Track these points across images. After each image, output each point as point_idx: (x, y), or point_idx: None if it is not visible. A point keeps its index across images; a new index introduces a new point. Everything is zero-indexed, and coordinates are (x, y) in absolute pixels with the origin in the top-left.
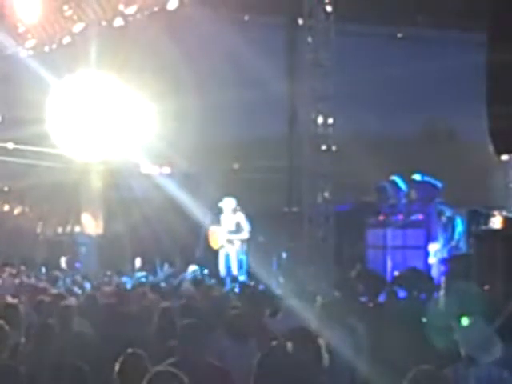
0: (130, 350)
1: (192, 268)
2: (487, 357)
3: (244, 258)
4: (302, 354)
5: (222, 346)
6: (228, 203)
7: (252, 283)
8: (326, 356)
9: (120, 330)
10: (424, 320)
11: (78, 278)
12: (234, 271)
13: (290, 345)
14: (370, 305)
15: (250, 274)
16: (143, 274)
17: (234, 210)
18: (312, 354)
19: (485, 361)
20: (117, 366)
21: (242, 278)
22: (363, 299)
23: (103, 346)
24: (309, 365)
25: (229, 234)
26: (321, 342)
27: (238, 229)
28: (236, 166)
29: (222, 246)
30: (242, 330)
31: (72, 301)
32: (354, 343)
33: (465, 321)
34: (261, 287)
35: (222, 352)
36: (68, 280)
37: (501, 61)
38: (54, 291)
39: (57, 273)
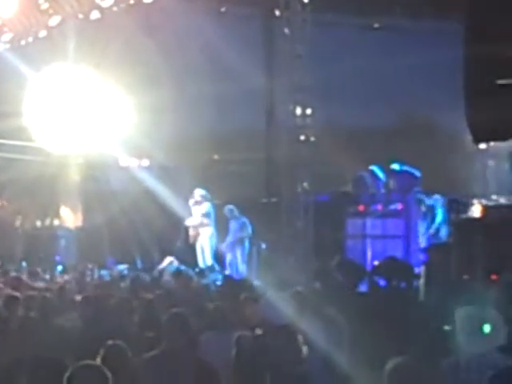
0: (110, 342)
1: (168, 259)
2: (489, 344)
3: (214, 245)
4: (280, 346)
5: (202, 337)
6: (196, 194)
7: (227, 272)
8: (304, 347)
9: (101, 323)
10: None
11: (58, 270)
12: (208, 261)
13: (268, 336)
14: (350, 294)
15: (218, 261)
16: (123, 266)
17: (201, 202)
18: (290, 345)
19: (486, 348)
20: (98, 359)
21: (216, 267)
22: (343, 289)
23: (84, 339)
24: (287, 356)
25: (197, 225)
26: (299, 332)
27: (204, 220)
28: (214, 157)
29: (196, 238)
30: (222, 322)
31: (52, 294)
32: (334, 333)
33: (487, 328)
34: (240, 278)
35: (202, 343)
36: (48, 274)
37: (478, 51)
38: (35, 285)
39: (37, 267)
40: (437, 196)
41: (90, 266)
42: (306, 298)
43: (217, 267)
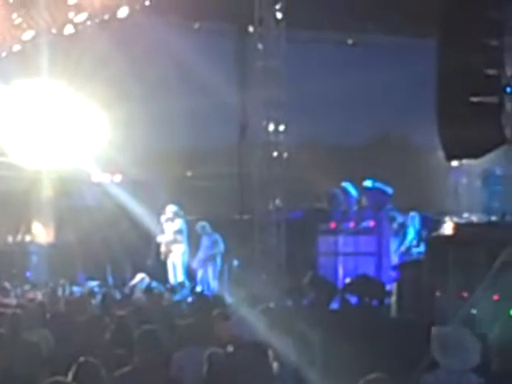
0: (82, 359)
1: (139, 276)
2: (464, 365)
3: (185, 262)
4: (251, 363)
5: (174, 354)
6: (168, 210)
7: (198, 289)
8: (274, 364)
9: (72, 339)
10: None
11: (29, 287)
12: (180, 278)
13: (239, 353)
14: (322, 312)
15: (189, 277)
16: (94, 282)
17: (173, 218)
18: (261, 363)
19: (462, 368)
20: (70, 375)
21: (186, 283)
22: (315, 306)
23: (55, 356)
24: (258, 373)
25: (169, 241)
26: (270, 349)
27: (177, 236)
28: (187, 173)
29: (167, 254)
30: (194, 339)
31: (23, 310)
32: (305, 350)
33: None
34: (212, 295)
35: (174, 360)
36: (18, 290)
37: (450, 67)
38: (5, 301)
39: (7, 283)
40: (413, 213)
41: (61, 281)
42: (278, 314)
43: (187, 283)
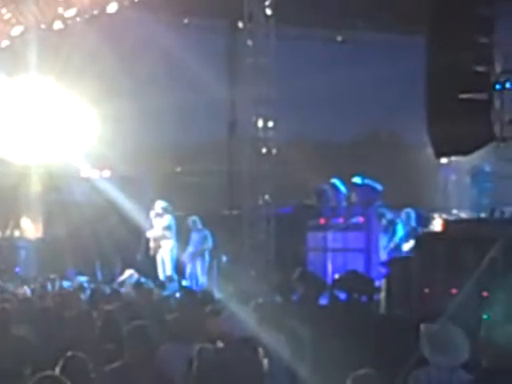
0: (70, 353)
1: (128, 272)
2: (453, 362)
3: (174, 257)
4: (241, 359)
5: (162, 348)
6: (157, 206)
7: (187, 284)
8: (265, 360)
9: (60, 334)
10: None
11: (18, 282)
12: (168, 273)
13: (230, 350)
14: (311, 308)
15: (178, 273)
16: (84, 277)
17: (162, 214)
18: (252, 359)
19: (451, 365)
20: (57, 369)
21: (175, 277)
22: (304, 302)
23: (43, 350)
24: (249, 370)
25: (158, 237)
26: (261, 345)
27: (165, 232)
28: (176, 169)
29: (156, 250)
30: (182, 334)
31: (11, 305)
32: (296, 347)
33: None
34: (200, 290)
35: (162, 354)
36: (8, 285)
37: (440, 65)
38: None
39: None
40: (408, 209)
41: (52, 276)
42: (268, 310)
43: (176, 278)
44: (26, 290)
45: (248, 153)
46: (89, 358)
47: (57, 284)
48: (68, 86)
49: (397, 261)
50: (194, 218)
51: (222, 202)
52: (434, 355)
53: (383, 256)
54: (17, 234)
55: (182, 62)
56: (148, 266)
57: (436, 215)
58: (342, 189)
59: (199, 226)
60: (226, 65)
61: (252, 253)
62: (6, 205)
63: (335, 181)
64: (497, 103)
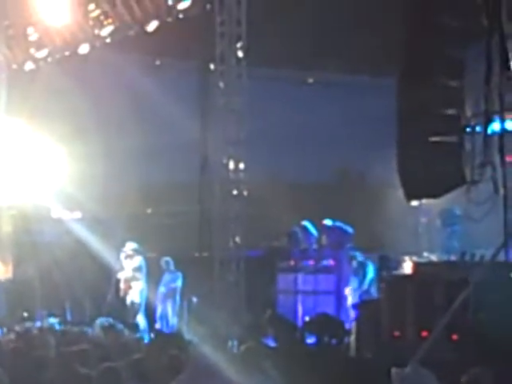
0: None
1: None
2: None
3: (144, 299)
4: None
5: None
6: (128, 247)
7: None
8: None
9: (29, 375)
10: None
11: None
12: (138, 316)
13: None
14: (281, 350)
15: (148, 315)
16: (54, 318)
17: (133, 255)
18: None
19: None
20: None
21: (143, 322)
22: (274, 344)
23: None
24: None
25: (128, 278)
26: None
27: (136, 273)
28: (147, 210)
29: (127, 291)
30: (151, 375)
31: None
32: None
33: None
34: (171, 331)
35: None
36: None
37: (410, 107)
38: None
39: None
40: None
41: (20, 317)
42: (248, 353)
43: (144, 323)
44: None
45: (219, 194)
46: None
47: (26, 325)
48: (38, 127)
49: (367, 303)
50: (167, 258)
51: (193, 244)
52: None
53: (354, 299)
54: None
55: (154, 102)
56: (118, 307)
57: (406, 258)
58: (313, 231)
59: (171, 267)
60: (198, 105)
61: (222, 294)
62: None
63: (306, 223)
64: (467, 146)
